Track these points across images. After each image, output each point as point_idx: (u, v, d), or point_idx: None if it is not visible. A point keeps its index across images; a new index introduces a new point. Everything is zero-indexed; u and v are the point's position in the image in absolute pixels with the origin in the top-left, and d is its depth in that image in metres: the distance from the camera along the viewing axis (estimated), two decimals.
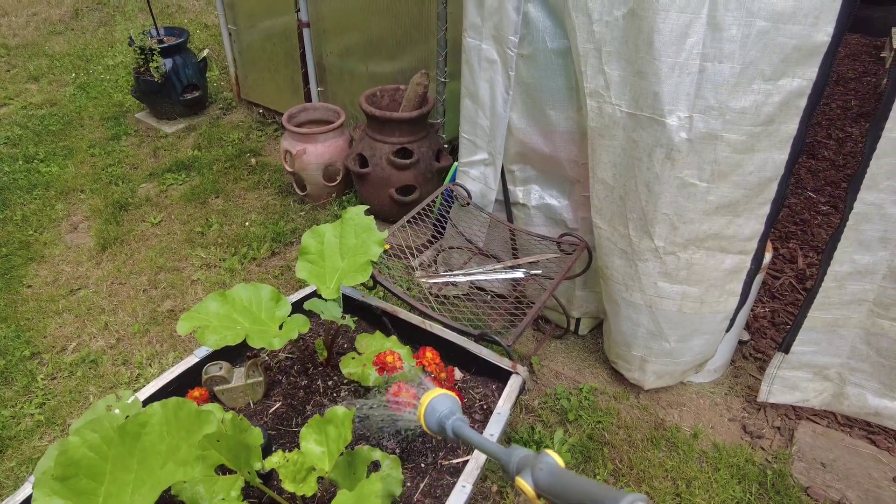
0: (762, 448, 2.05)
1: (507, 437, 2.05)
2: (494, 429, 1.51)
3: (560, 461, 0.93)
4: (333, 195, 3.16)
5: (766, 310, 2.58)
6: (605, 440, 2.06)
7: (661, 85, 1.60)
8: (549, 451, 0.94)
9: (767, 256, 1.96)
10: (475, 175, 2.29)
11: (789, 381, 2.09)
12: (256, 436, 1.23)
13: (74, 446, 1.03)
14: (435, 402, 1.14)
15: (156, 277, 2.73)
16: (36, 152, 3.74)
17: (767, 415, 2.17)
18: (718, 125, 1.59)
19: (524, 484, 0.91)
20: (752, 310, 2.52)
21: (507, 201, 2.30)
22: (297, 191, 3.19)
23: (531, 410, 2.18)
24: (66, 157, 3.72)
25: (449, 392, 1.17)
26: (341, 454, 1.20)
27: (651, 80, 1.61)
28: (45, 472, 1.03)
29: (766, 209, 1.74)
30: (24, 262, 2.83)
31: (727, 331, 2.07)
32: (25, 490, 1.26)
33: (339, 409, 1.19)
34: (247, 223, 3.05)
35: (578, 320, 2.46)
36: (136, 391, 1.47)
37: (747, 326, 2.47)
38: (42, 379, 2.24)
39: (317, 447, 1.18)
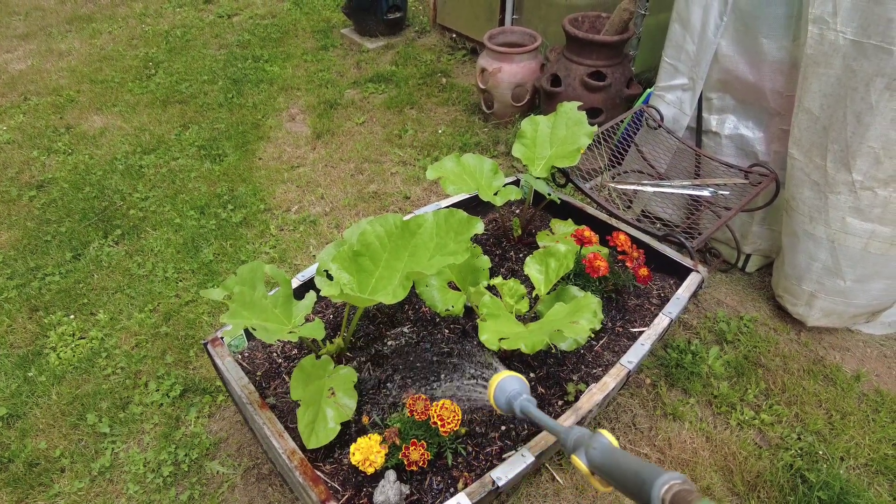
0: None
1: (665, 345, 2.22)
2: (673, 308, 1.70)
3: (614, 441, 0.98)
4: (517, 115, 3.38)
5: None
6: (760, 362, 2.17)
7: None
8: (603, 431, 1.00)
9: None
10: (671, 100, 2.39)
11: None
12: (485, 261, 1.52)
13: (368, 232, 1.37)
14: (503, 383, 1.19)
15: (361, 165, 3.15)
16: (261, 54, 4.34)
17: None
18: None
19: (579, 462, 0.97)
20: None
21: (698, 128, 2.39)
22: (484, 108, 3.45)
23: (690, 328, 2.32)
24: (285, 60, 4.28)
25: (517, 374, 1.22)
26: (554, 288, 1.46)
27: (889, 5, 1.63)
28: (343, 250, 1.39)
29: None
30: (256, 140, 3.39)
31: None
32: (310, 271, 1.67)
33: (561, 246, 1.44)
34: (439, 131, 3.39)
35: (748, 257, 2.52)
36: None
37: None
38: (273, 229, 2.75)
39: (538, 274, 1.45)
